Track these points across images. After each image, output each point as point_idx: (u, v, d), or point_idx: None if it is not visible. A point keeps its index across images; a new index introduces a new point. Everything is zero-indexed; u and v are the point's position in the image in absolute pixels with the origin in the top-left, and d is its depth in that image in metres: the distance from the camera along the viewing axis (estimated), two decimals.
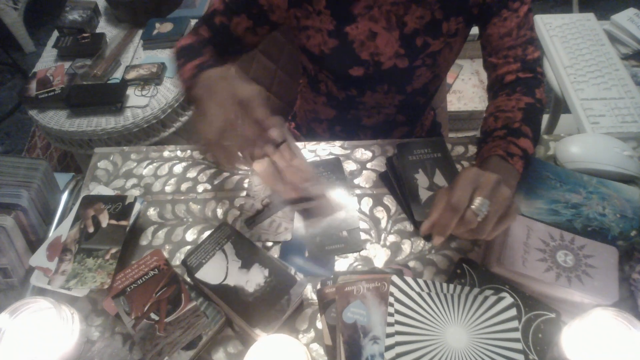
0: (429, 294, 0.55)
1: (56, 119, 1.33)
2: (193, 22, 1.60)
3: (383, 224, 0.67)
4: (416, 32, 0.69)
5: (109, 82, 1.41)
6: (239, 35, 0.71)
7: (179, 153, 0.77)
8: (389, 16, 0.67)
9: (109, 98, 1.32)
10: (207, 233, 0.65)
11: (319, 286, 0.59)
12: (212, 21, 0.71)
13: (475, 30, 0.73)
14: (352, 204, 0.69)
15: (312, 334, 0.57)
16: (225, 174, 0.74)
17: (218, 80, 0.55)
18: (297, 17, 0.70)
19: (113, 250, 0.60)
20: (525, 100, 0.67)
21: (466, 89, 1.74)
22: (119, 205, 0.64)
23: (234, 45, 0.73)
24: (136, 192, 0.72)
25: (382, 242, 0.65)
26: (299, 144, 0.77)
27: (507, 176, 0.57)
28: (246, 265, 0.58)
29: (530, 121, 0.64)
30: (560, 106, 1.26)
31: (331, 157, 0.75)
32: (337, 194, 0.68)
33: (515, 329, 0.53)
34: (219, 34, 0.71)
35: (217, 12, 0.70)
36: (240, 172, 0.74)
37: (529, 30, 0.68)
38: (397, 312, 0.54)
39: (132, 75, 1.40)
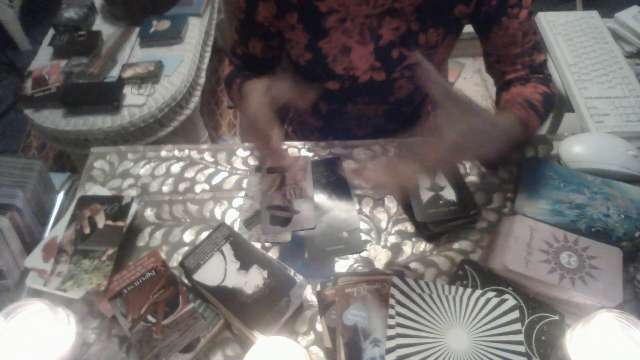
0: (430, 296, 0.54)
1: (52, 118, 1.32)
2: (190, 19, 1.59)
3: (383, 224, 0.66)
4: (391, 44, 0.68)
5: (105, 80, 1.40)
6: (259, 56, 0.77)
7: (176, 153, 0.76)
8: (363, 29, 0.67)
9: (106, 97, 1.31)
10: (205, 234, 0.64)
11: (318, 288, 0.59)
12: (235, 52, 0.78)
13: (470, 28, 0.72)
14: (352, 204, 0.68)
15: (311, 336, 0.57)
16: (224, 174, 0.73)
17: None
18: (282, 29, 0.71)
19: (109, 252, 0.60)
20: (543, 89, 0.66)
21: (468, 88, 1.74)
22: (116, 206, 0.64)
23: (261, 65, 0.79)
24: (133, 192, 0.71)
25: (382, 243, 0.64)
26: (297, 143, 0.77)
27: (505, 138, 0.55)
28: (245, 266, 0.57)
29: (545, 106, 0.64)
30: (563, 105, 1.26)
31: (331, 157, 0.74)
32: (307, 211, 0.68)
33: (518, 332, 0.52)
34: (246, 61, 0.78)
35: (236, 42, 0.77)
36: (239, 172, 0.73)
37: (533, 34, 0.67)
38: (398, 314, 0.53)
39: (128, 73, 1.39)
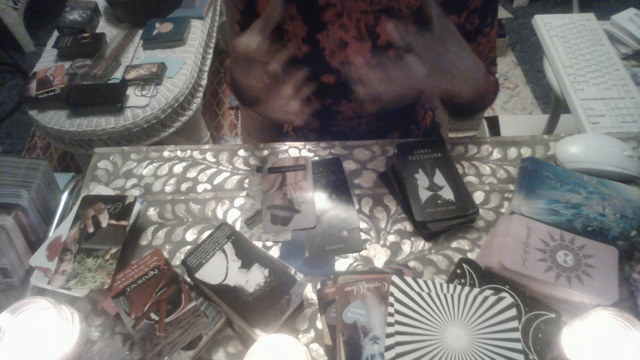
0: (429, 294, 0.55)
1: (56, 119, 1.33)
2: (193, 22, 1.61)
3: (383, 224, 0.67)
4: (389, 45, 0.69)
5: (109, 82, 1.41)
6: None
7: (179, 153, 0.77)
8: (359, 25, 0.68)
9: (109, 98, 1.32)
10: (207, 233, 0.65)
11: (319, 286, 0.59)
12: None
13: None
14: (351, 204, 0.69)
15: (312, 334, 0.57)
16: (226, 174, 0.74)
17: (234, 67, 0.66)
18: (281, 22, 0.71)
19: (113, 250, 0.60)
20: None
21: None
22: (119, 205, 0.64)
23: None
24: (136, 192, 0.72)
25: (382, 242, 0.65)
26: (298, 144, 0.77)
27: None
28: (246, 265, 0.58)
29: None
30: (560, 106, 1.26)
31: (331, 157, 0.75)
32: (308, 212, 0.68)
33: (515, 329, 0.53)
34: None
35: (238, 34, 0.78)
36: (240, 172, 0.74)
37: (493, 50, 0.72)
38: (397, 312, 0.54)
39: (132, 75, 1.40)
